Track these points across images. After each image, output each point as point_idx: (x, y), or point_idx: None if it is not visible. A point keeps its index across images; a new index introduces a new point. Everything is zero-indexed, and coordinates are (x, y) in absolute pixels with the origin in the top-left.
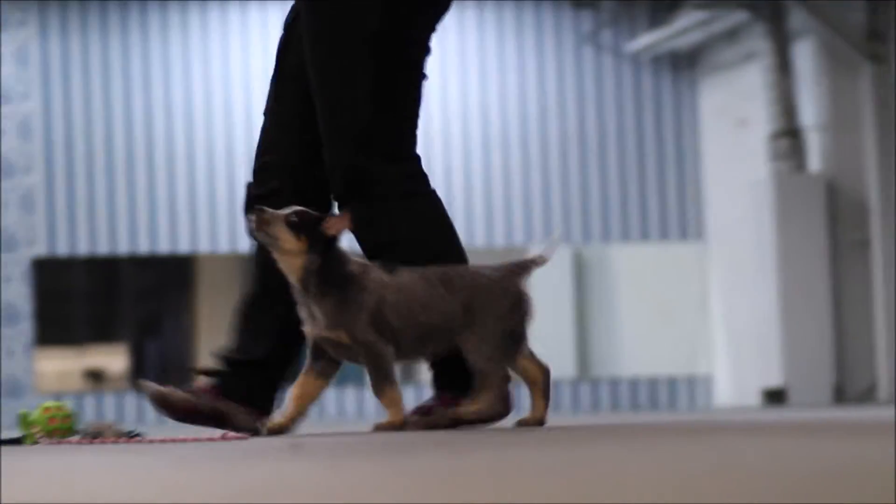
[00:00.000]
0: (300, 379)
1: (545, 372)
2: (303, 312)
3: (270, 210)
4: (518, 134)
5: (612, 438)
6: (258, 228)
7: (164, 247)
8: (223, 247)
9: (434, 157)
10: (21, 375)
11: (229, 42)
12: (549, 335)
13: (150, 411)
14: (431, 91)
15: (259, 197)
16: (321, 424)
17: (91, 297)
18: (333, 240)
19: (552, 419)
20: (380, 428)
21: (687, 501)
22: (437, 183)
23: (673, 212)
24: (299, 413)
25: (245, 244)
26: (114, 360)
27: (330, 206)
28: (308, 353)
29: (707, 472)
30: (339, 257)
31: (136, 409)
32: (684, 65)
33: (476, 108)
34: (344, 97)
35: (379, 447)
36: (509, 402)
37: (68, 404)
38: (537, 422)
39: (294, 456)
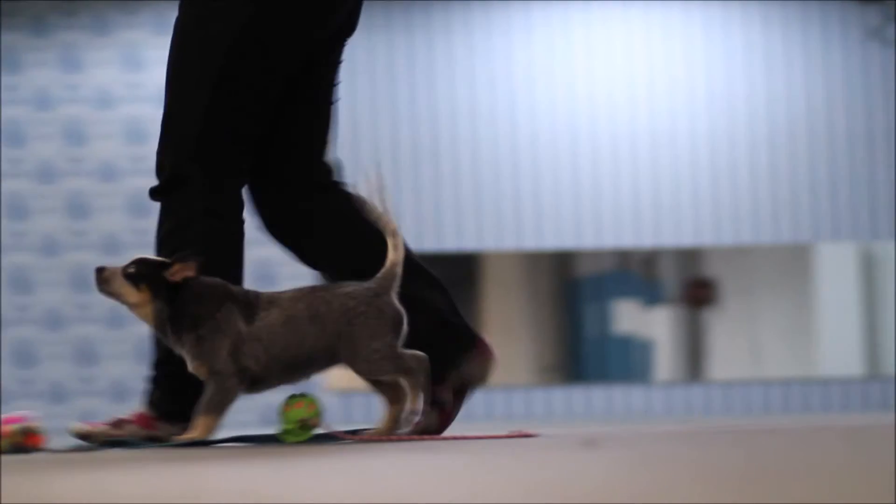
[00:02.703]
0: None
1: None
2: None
3: (110, 266)
4: (804, 130)
5: None
6: (100, 288)
7: (450, 244)
8: (509, 244)
9: (719, 153)
10: None
11: (512, 41)
12: (836, 332)
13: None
14: (717, 90)
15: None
16: (605, 422)
17: None
18: (179, 285)
19: (839, 417)
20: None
21: None
22: (721, 179)
23: None
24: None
25: (530, 241)
26: None
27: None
28: None
29: None
30: (193, 298)
31: None
32: None
33: (762, 105)
34: (181, 102)
35: (670, 442)
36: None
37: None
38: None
39: (588, 452)
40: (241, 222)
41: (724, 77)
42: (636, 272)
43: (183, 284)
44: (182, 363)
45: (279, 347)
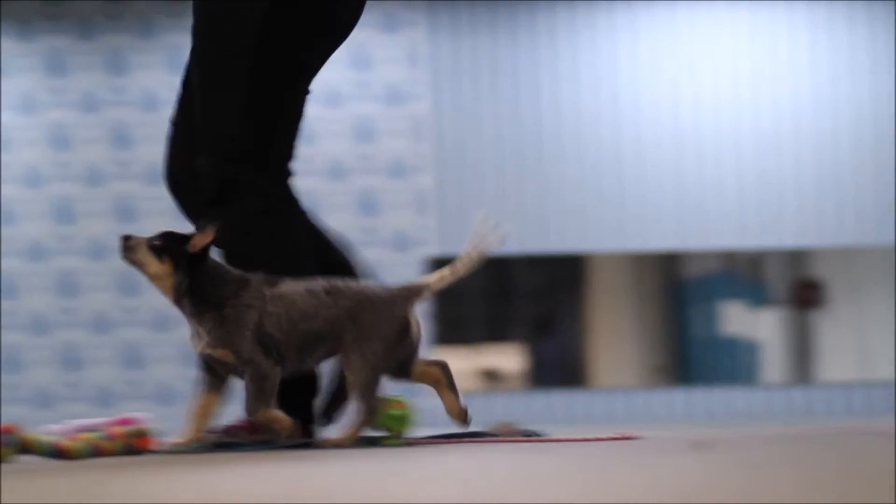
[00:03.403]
0: (197, 396)
1: (443, 366)
2: (190, 328)
3: (136, 236)
4: None
5: None
6: (125, 256)
7: (555, 246)
8: (614, 245)
9: (825, 154)
10: None
11: (616, 41)
12: None
13: (549, 411)
14: (822, 90)
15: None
16: (715, 424)
17: (485, 296)
18: (200, 257)
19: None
20: (327, 443)
21: None
22: (828, 179)
23: None
24: (199, 429)
25: (636, 242)
26: (508, 359)
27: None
28: (200, 368)
29: None
30: (213, 274)
31: (530, 409)
32: None
33: (868, 105)
34: (217, 106)
35: (778, 444)
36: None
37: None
38: (460, 415)
39: (696, 454)
40: (301, 213)
41: (828, 77)
42: (743, 273)
43: (207, 264)
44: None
45: (298, 311)
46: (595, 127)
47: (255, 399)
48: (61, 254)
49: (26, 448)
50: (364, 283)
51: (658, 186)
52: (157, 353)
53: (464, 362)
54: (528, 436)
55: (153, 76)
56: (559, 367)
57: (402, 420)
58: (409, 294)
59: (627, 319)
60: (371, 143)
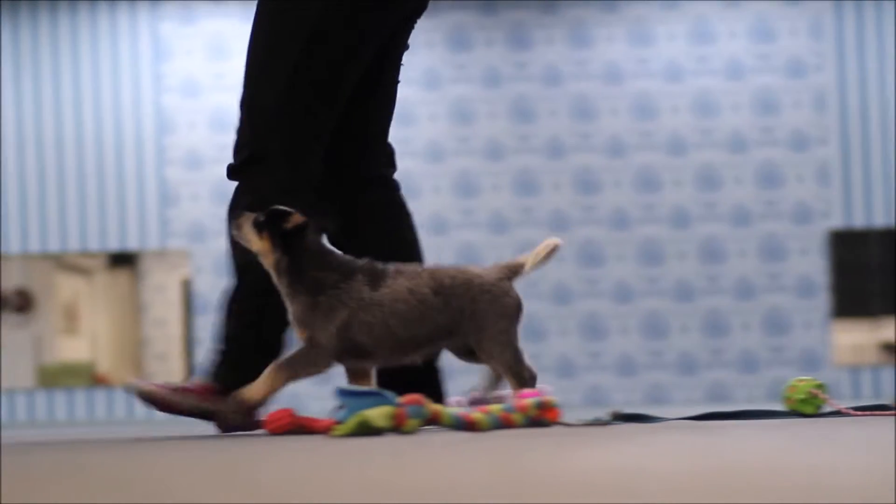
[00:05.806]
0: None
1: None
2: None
3: (247, 212)
4: None
5: None
6: (233, 233)
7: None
8: None
9: None
10: (817, 348)
11: None
12: None
13: None
14: None
15: None
16: None
17: (886, 270)
18: (294, 236)
19: None
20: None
21: None
22: None
23: None
24: (272, 391)
25: None
26: None
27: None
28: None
29: None
30: (316, 258)
31: None
32: None
33: None
34: (264, 83)
35: None
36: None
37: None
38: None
39: None
40: (316, 199)
41: None
42: None
43: (310, 247)
44: None
45: (400, 317)
46: None
47: (290, 365)
48: (462, 227)
49: (433, 420)
50: (472, 270)
51: None
52: (557, 328)
53: (864, 335)
54: None
55: (556, 51)
56: None
57: (811, 402)
58: (513, 271)
59: None
60: (773, 115)
